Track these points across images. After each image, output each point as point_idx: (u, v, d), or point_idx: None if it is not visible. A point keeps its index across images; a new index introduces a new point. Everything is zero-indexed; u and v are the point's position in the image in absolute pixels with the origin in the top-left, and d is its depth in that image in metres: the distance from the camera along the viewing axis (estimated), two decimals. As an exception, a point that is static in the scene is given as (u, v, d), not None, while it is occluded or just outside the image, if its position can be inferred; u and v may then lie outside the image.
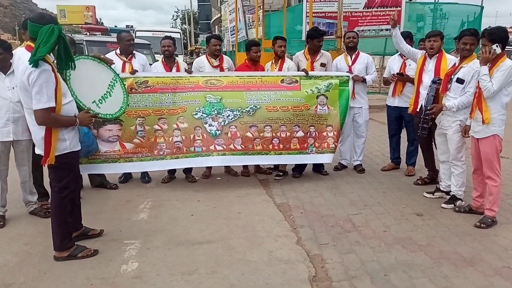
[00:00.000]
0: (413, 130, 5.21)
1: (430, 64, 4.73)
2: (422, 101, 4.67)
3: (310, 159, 5.30)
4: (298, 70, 5.34)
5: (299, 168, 5.51)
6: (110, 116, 3.80)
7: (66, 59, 3.08)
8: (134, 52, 5.15)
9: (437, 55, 4.70)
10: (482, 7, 14.36)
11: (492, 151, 3.78)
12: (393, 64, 5.47)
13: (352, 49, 5.53)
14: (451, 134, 4.19)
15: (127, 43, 5.06)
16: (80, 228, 3.59)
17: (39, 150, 3.16)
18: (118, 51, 5.09)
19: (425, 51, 4.81)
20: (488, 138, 3.77)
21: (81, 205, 3.62)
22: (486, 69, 3.66)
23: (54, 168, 3.15)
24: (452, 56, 4.84)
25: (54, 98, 2.95)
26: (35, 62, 2.83)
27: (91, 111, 3.39)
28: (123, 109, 3.99)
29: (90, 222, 3.91)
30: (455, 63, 4.28)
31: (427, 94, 4.45)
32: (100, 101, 3.66)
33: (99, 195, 4.83)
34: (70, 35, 10.13)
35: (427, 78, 4.69)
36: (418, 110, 4.72)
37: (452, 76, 4.14)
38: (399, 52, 5.36)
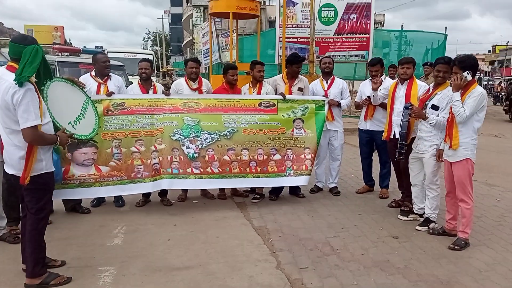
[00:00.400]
0: (385, 153, 5.34)
1: (401, 91, 4.87)
2: (395, 128, 4.80)
3: (288, 181, 5.32)
4: (275, 94, 5.40)
5: (276, 191, 5.52)
6: (85, 137, 3.84)
7: (45, 78, 3.13)
8: (110, 74, 5.08)
9: (408, 81, 4.85)
10: (446, 35, 15.08)
11: (465, 175, 3.91)
12: (365, 89, 5.61)
13: (327, 74, 5.67)
14: (428, 158, 4.30)
15: (103, 64, 4.98)
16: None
17: (13, 170, 3.07)
18: (93, 73, 5.00)
19: (397, 78, 4.98)
20: (461, 162, 3.90)
21: None
22: (458, 96, 3.81)
23: (31, 190, 3.07)
24: (422, 82, 5.01)
25: (40, 116, 2.95)
26: (20, 82, 2.83)
27: (67, 131, 3.40)
28: (95, 130, 4.02)
29: (62, 248, 3.78)
30: (428, 89, 4.44)
31: (401, 120, 4.57)
32: (75, 123, 3.69)
33: (71, 219, 4.66)
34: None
35: (398, 104, 4.84)
36: (392, 136, 4.83)
37: (427, 103, 4.28)
38: (370, 78, 5.52)
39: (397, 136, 4.69)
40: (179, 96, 5.14)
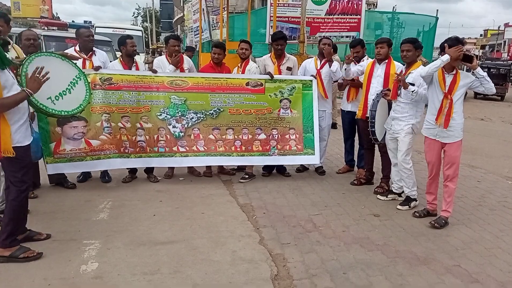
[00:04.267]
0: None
1: (379, 70, 4.92)
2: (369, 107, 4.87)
3: (298, 160, 5.46)
4: (264, 73, 5.39)
5: (269, 168, 5.63)
6: (65, 113, 3.73)
7: None
8: (94, 49, 5.01)
9: (386, 61, 4.90)
10: (437, 18, 15.07)
11: (459, 155, 4.02)
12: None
13: (324, 56, 5.63)
14: (403, 136, 4.39)
15: (86, 39, 4.91)
16: (24, 231, 3.42)
17: None
18: (77, 47, 4.94)
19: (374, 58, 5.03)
20: (457, 142, 3.99)
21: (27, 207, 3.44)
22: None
23: (5, 162, 3.08)
24: (399, 63, 5.04)
25: None
26: None
27: (42, 105, 3.36)
28: (82, 106, 3.92)
29: (46, 221, 3.81)
30: (401, 70, 4.49)
31: (373, 100, 4.66)
32: (57, 98, 3.62)
33: (56, 194, 4.68)
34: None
35: (376, 83, 4.91)
36: (367, 115, 4.89)
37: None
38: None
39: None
40: (166, 74, 5.11)
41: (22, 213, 3.19)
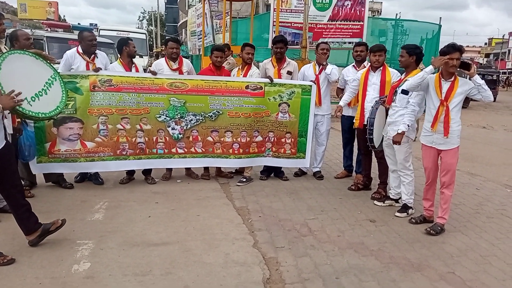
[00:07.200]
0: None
1: (375, 78, 4.93)
2: (367, 114, 4.86)
3: (289, 163, 5.52)
4: (264, 77, 5.39)
5: (268, 171, 5.63)
6: (43, 115, 3.51)
7: None
8: (96, 51, 5.04)
9: (381, 68, 4.91)
10: (440, 26, 15.06)
11: (456, 162, 4.00)
12: (348, 74, 5.55)
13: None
14: (399, 145, 4.36)
15: (89, 43, 4.93)
16: (37, 228, 3.41)
17: None
18: (80, 49, 4.96)
19: (368, 65, 5.03)
20: (453, 149, 3.96)
21: (30, 205, 3.44)
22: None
23: None
24: (393, 69, 5.04)
25: None
26: None
27: (18, 107, 3.17)
28: (59, 108, 3.71)
29: (42, 220, 3.74)
30: (400, 78, 4.49)
31: (371, 107, 4.65)
32: (33, 99, 3.40)
33: (53, 193, 4.70)
34: (30, 30, 9.80)
35: (372, 90, 4.91)
36: (365, 123, 4.87)
37: (397, 89, 4.34)
38: (353, 63, 5.55)
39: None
40: (166, 76, 5.13)
41: None
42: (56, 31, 10.98)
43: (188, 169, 5.61)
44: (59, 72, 3.96)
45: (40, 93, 3.52)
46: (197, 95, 5.11)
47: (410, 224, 4.21)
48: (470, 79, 3.85)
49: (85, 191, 4.83)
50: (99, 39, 5.49)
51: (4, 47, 4.28)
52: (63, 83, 3.90)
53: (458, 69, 3.83)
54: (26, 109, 3.28)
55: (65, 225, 3.56)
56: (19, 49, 4.26)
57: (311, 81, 5.46)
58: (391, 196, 4.73)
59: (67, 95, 3.89)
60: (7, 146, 3.22)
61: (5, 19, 4.31)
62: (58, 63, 4.23)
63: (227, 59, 7.66)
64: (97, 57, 5.00)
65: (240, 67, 5.54)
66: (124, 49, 5.07)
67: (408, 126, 4.19)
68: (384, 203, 4.74)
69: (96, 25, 22.62)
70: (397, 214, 4.45)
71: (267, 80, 5.27)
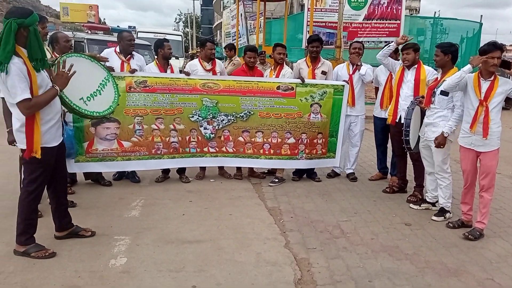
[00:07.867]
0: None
1: (409, 75, 4.84)
2: (401, 112, 4.77)
3: (313, 164, 5.50)
4: (297, 77, 5.38)
5: (300, 172, 5.62)
6: (97, 114, 3.70)
7: (36, 54, 2.98)
8: (133, 52, 5.19)
9: (416, 66, 4.82)
10: (481, 24, 14.55)
11: (496, 164, 3.86)
12: (381, 74, 5.43)
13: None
14: (443, 147, 4.24)
15: (128, 42, 5.08)
16: (70, 227, 3.56)
17: (20, 144, 3.10)
18: (117, 49, 5.11)
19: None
20: (493, 151, 3.83)
21: (67, 204, 3.59)
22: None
23: (25, 161, 3.11)
24: (429, 67, 4.92)
25: (29, 90, 2.90)
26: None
27: (73, 104, 3.36)
28: (112, 107, 3.87)
29: (82, 216, 3.95)
30: (436, 78, 4.37)
31: (407, 108, 4.54)
32: (88, 99, 3.61)
33: (93, 191, 4.87)
34: (72, 33, 10.19)
35: (406, 88, 4.83)
36: (397, 120, 4.77)
37: (436, 89, 4.22)
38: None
39: (402, 121, 4.66)
40: (199, 76, 5.21)
41: (31, 213, 3.20)
42: (96, 33, 11.38)
43: (221, 169, 5.68)
44: (111, 74, 4.12)
45: (95, 93, 3.74)
46: (229, 95, 5.17)
47: (447, 229, 4.09)
48: (511, 79, 3.71)
49: (122, 189, 4.98)
50: (137, 41, 5.63)
51: (47, 49, 4.47)
52: (116, 84, 4.07)
53: (499, 68, 3.70)
54: (82, 108, 3.51)
55: (104, 221, 3.68)
56: (61, 50, 4.48)
57: (344, 81, 5.40)
58: (427, 200, 4.61)
59: (119, 95, 4.06)
60: (63, 143, 3.41)
61: (48, 23, 4.50)
62: (108, 61, 4.41)
63: (232, 60, 7.73)
64: (133, 58, 5.13)
65: (272, 68, 5.55)
66: (159, 51, 5.19)
67: (455, 125, 4.10)
68: (420, 206, 4.62)
69: (134, 27, 23.22)
70: (434, 218, 4.34)
71: (299, 81, 5.25)
